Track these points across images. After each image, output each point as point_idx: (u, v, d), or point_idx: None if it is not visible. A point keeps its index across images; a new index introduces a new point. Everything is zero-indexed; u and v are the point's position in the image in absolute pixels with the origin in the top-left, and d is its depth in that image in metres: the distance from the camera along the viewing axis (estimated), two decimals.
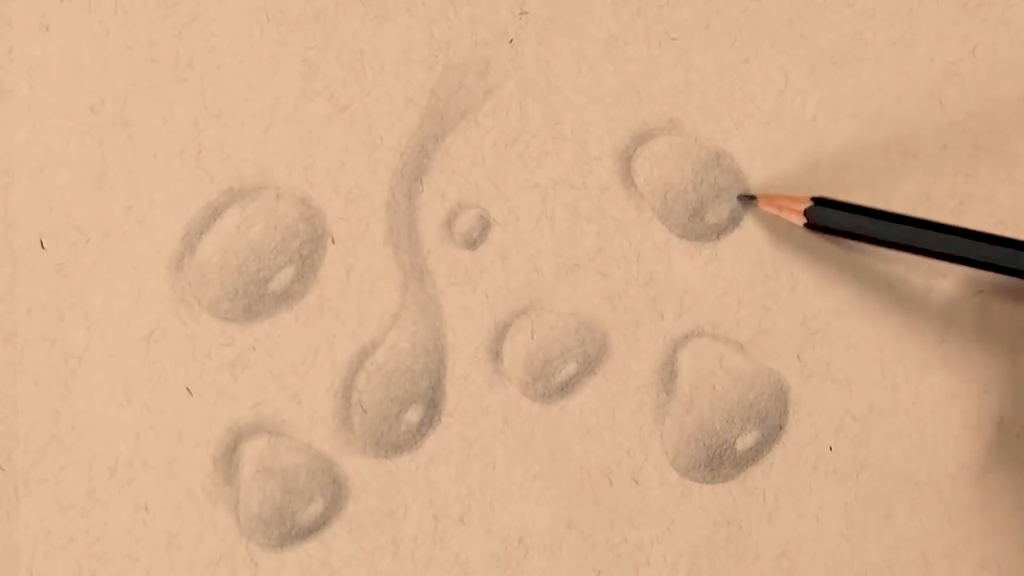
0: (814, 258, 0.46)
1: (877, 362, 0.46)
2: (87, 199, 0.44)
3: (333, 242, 0.45)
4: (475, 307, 0.45)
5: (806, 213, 0.44)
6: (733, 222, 0.46)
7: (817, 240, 0.46)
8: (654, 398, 0.46)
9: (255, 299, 0.45)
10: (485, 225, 0.45)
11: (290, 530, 0.45)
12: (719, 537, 0.46)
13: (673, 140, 0.46)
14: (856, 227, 0.44)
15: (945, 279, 0.47)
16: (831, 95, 0.47)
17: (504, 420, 0.45)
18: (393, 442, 0.45)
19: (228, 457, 0.44)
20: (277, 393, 0.45)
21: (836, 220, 0.44)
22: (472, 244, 0.45)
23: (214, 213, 0.44)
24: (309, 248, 0.45)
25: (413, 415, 0.45)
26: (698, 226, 0.46)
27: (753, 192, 0.46)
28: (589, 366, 0.46)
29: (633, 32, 0.46)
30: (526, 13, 0.46)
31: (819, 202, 0.44)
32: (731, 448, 0.46)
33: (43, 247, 0.44)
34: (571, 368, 0.46)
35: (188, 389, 0.44)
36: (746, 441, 0.46)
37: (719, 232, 0.46)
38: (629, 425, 0.46)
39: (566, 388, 0.46)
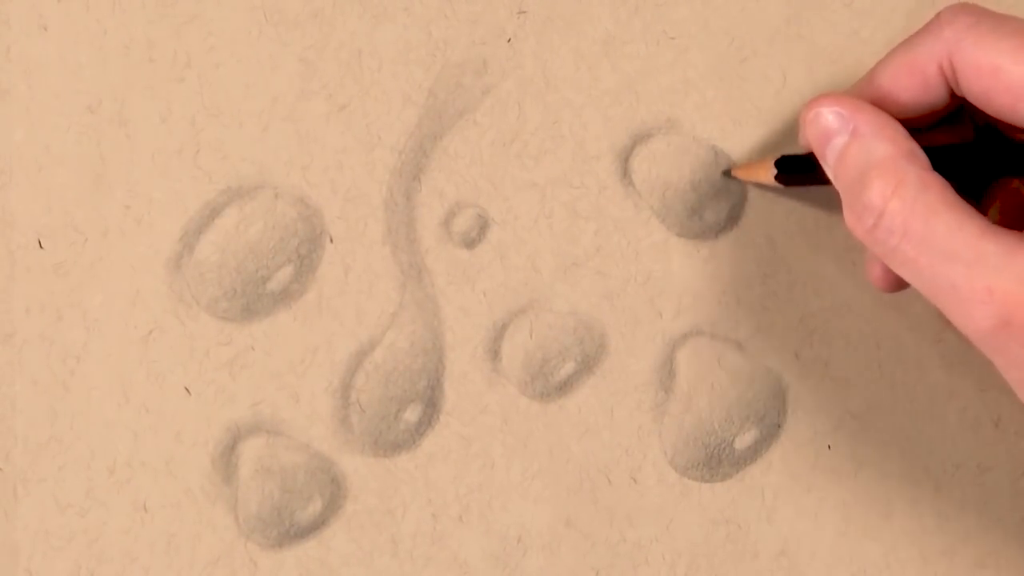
0: (812, 257, 0.46)
1: (875, 361, 0.46)
2: (85, 199, 0.44)
3: (331, 241, 0.45)
4: (473, 306, 0.45)
5: (777, 164, 0.44)
6: (732, 221, 0.46)
7: (816, 240, 0.46)
8: (652, 397, 0.46)
9: (253, 298, 0.45)
10: (483, 224, 0.45)
11: (289, 529, 0.45)
12: (718, 536, 0.46)
13: (671, 139, 0.46)
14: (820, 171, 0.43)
15: None
16: None
17: (503, 419, 0.45)
18: (392, 441, 0.45)
19: (227, 457, 0.44)
20: (275, 392, 0.45)
21: (801, 167, 0.43)
22: (470, 243, 0.45)
23: (212, 212, 0.44)
24: (307, 247, 0.45)
25: (412, 414, 0.45)
26: (696, 225, 0.46)
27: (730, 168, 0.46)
28: (587, 365, 0.46)
29: (631, 31, 0.46)
30: (524, 12, 0.46)
31: (783, 159, 0.44)
32: (730, 447, 0.46)
33: (41, 247, 0.44)
34: (569, 367, 0.46)
35: (187, 389, 0.44)
36: (745, 440, 0.46)
37: (717, 231, 0.46)
38: (628, 424, 0.46)
39: (565, 387, 0.46)
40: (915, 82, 0.40)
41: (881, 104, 0.40)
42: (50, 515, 0.44)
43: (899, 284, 0.43)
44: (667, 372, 0.46)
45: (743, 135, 0.46)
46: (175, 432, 0.44)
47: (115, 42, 0.44)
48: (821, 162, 0.40)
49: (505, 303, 0.46)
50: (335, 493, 0.45)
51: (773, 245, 0.46)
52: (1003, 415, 0.47)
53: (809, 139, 0.40)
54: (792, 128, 0.46)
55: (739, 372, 0.46)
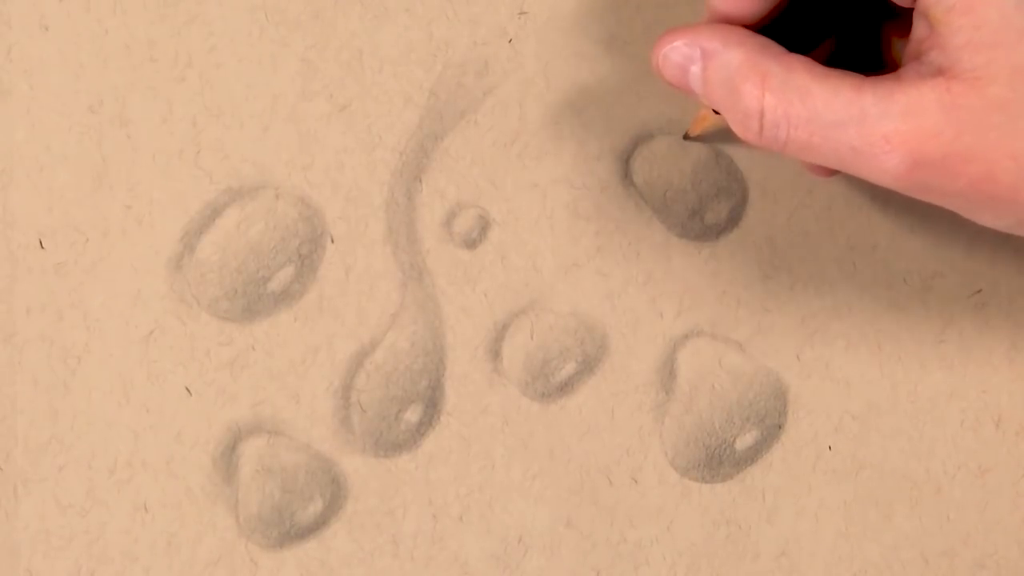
0: (813, 258, 0.46)
1: (876, 361, 0.46)
2: (86, 199, 0.44)
3: (332, 242, 0.45)
4: (474, 306, 0.45)
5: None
6: (732, 222, 0.46)
7: (817, 241, 0.46)
8: (653, 397, 0.46)
9: (254, 299, 0.45)
10: (484, 224, 0.45)
11: (289, 530, 0.45)
12: (718, 536, 0.46)
13: (672, 139, 0.46)
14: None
15: (944, 278, 0.47)
16: None
17: (503, 419, 0.45)
18: (392, 441, 0.45)
19: (227, 457, 0.44)
20: (276, 393, 0.45)
21: None
22: (471, 243, 0.45)
23: (213, 213, 0.44)
24: (308, 248, 0.45)
25: (412, 414, 0.45)
26: (697, 226, 0.46)
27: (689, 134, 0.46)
28: (588, 365, 0.46)
29: (632, 31, 0.46)
30: (525, 13, 0.46)
31: None
32: (730, 447, 0.46)
33: (42, 247, 0.44)
34: (570, 367, 0.46)
35: (187, 389, 0.44)
36: (745, 440, 0.46)
37: (718, 232, 0.46)
38: (628, 424, 0.46)
39: (565, 387, 0.46)
40: None
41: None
42: (51, 515, 0.44)
43: (830, 170, 0.44)
44: (668, 373, 0.46)
45: None
46: (176, 432, 0.44)
47: (116, 42, 0.44)
48: (693, 96, 0.40)
49: (506, 303, 0.46)
50: (336, 493, 0.45)
51: (774, 246, 0.46)
52: (1004, 416, 0.47)
53: (670, 82, 0.40)
54: None
55: (740, 373, 0.46)
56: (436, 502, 0.45)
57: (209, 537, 0.44)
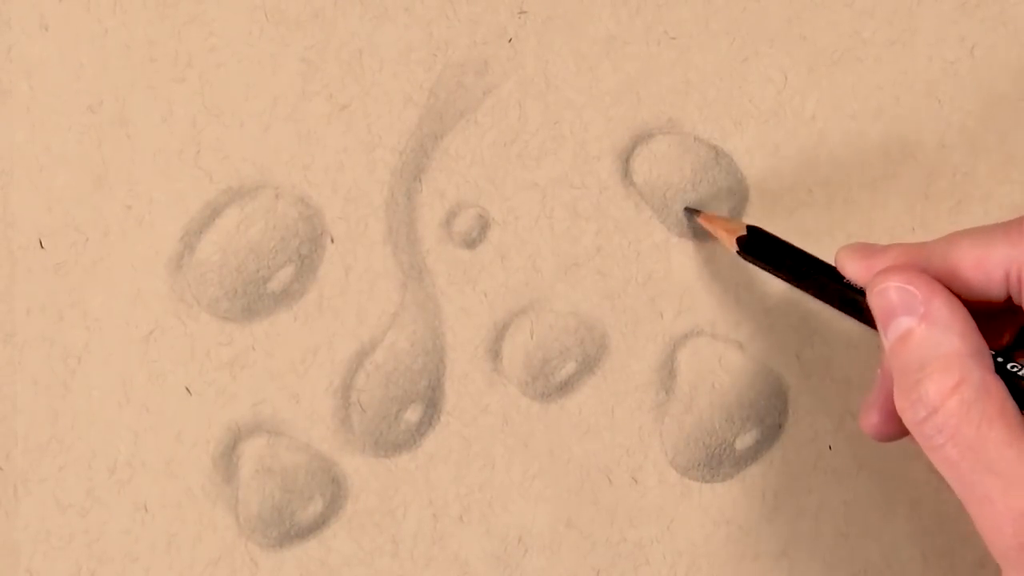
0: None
1: (876, 361, 0.46)
2: (86, 199, 0.44)
3: (332, 241, 0.45)
4: (474, 306, 0.45)
5: (738, 241, 0.43)
6: None
7: (818, 240, 0.46)
8: (653, 397, 0.46)
9: (254, 298, 0.45)
10: (484, 224, 0.45)
11: (289, 529, 0.45)
12: (718, 536, 0.46)
13: (672, 139, 0.46)
14: (782, 266, 0.43)
15: None
16: (830, 94, 0.47)
17: (503, 419, 0.45)
18: (392, 441, 0.45)
19: (227, 457, 0.44)
20: (276, 392, 0.45)
21: (765, 255, 0.43)
22: (471, 243, 0.45)
23: (213, 212, 0.44)
24: (308, 247, 0.45)
25: (412, 414, 0.45)
26: (697, 225, 0.46)
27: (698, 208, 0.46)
28: (588, 365, 0.46)
29: (632, 31, 0.46)
30: (525, 12, 0.46)
31: (752, 233, 0.43)
32: (730, 447, 0.46)
33: (42, 247, 0.44)
34: (570, 367, 0.46)
35: (187, 389, 0.44)
36: (745, 440, 0.46)
37: None
38: (628, 424, 0.46)
39: (565, 387, 0.46)
40: (977, 275, 0.39)
41: (941, 277, 0.39)
42: (51, 515, 0.44)
43: (892, 437, 0.42)
44: (668, 372, 0.46)
45: (744, 135, 0.46)
46: (176, 432, 0.44)
47: (116, 42, 0.44)
48: (881, 333, 0.39)
49: (506, 303, 0.45)
50: (336, 493, 0.45)
51: None
52: None
53: (872, 308, 0.39)
54: (793, 129, 0.46)
55: (740, 372, 0.46)
56: (436, 502, 0.45)
57: (209, 537, 0.44)
